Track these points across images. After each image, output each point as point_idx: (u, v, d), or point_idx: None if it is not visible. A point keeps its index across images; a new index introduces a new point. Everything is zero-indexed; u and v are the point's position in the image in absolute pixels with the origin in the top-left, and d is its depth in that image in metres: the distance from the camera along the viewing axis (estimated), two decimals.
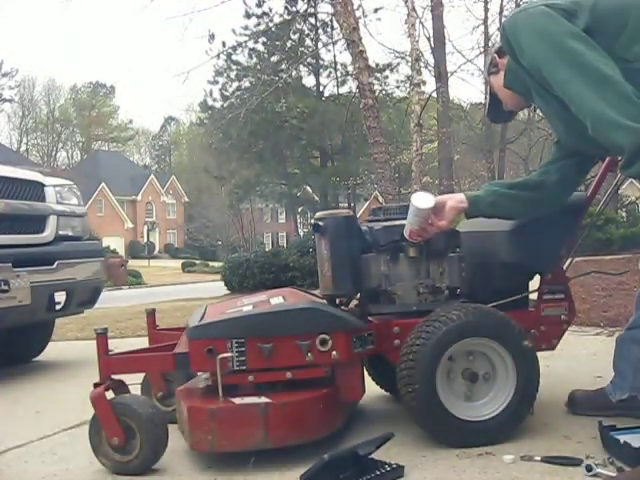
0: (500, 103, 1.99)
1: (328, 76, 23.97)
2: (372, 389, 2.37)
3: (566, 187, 1.96)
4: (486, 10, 17.32)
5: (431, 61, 13.96)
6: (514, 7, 14.69)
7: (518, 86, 1.85)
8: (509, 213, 2.00)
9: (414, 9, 9.64)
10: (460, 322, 1.81)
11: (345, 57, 21.87)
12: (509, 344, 1.84)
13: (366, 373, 2.26)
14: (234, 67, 22.18)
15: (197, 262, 37.32)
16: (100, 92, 61.40)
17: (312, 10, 14.72)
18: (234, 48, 20.02)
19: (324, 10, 17.13)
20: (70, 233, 3.78)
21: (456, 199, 1.97)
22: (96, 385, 1.86)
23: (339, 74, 23.36)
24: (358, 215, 18.75)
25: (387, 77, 22.24)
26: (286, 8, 20.78)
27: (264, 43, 21.06)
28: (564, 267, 2.12)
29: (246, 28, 20.90)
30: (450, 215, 1.93)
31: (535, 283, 2.13)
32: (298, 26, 18.46)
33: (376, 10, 14.44)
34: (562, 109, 1.67)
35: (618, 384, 1.99)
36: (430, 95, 12.25)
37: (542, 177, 1.95)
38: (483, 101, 18.32)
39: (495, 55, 1.92)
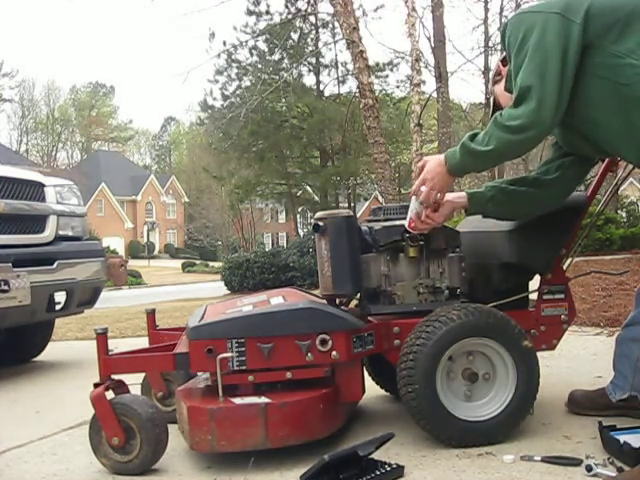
0: None
1: (329, 74, 23.94)
2: (372, 389, 2.37)
3: (565, 185, 1.97)
4: (486, 10, 17.26)
5: (431, 61, 13.99)
6: (514, 7, 14.69)
7: None
8: (509, 210, 2.00)
9: (414, 9, 9.63)
10: (460, 322, 1.81)
11: (346, 56, 21.86)
12: (509, 344, 1.84)
13: (366, 373, 2.27)
14: (234, 66, 22.14)
15: (197, 262, 37.37)
16: (100, 92, 61.43)
17: (312, 10, 14.68)
18: (235, 47, 20.00)
19: (324, 10, 17.14)
20: (70, 233, 3.78)
21: (455, 194, 2.01)
22: (96, 385, 1.87)
23: (340, 73, 23.34)
24: (358, 215, 18.74)
25: (387, 76, 22.25)
26: (286, 7, 20.79)
27: (265, 40, 21.03)
28: (564, 267, 2.12)
29: (246, 26, 20.91)
30: (446, 209, 1.95)
31: (535, 283, 2.13)
32: (298, 24, 18.41)
33: (376, 9, 14.44)
34: None
35: (618, 384, 1.99)
36: (430, 95, 12.25)
37: (541, 174, 1.97)
38: (483, 101, 18.35)
39: (499, 64, 1.96)
